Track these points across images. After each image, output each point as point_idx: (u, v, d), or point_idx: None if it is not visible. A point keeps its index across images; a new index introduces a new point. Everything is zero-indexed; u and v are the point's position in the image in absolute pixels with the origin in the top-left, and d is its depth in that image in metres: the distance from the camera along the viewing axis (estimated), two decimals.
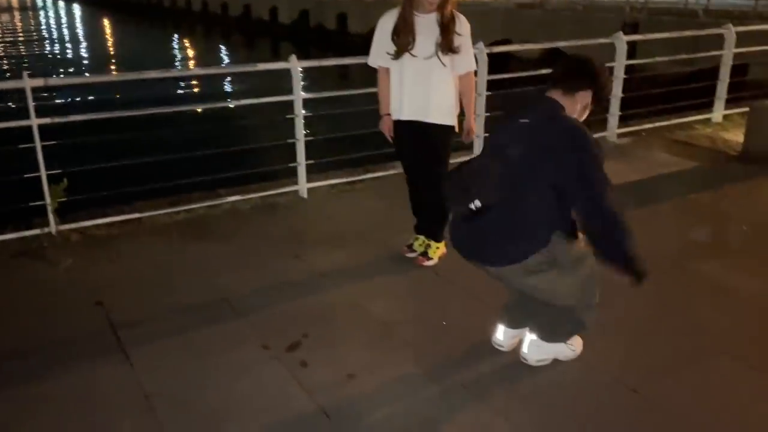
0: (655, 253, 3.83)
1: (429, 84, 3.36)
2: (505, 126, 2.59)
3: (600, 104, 2.58)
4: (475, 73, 3.65)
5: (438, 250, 3.71)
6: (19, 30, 44.87)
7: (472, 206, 2.39)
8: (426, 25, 3.30)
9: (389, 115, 3.53)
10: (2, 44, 35.18)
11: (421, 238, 3.76)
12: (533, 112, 2.50)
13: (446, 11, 3.27)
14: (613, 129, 6.29)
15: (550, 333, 2.71)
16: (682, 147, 6.09)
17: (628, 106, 6.41)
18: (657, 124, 6.66)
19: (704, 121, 6.89)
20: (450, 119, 3.43)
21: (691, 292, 3.40)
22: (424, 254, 3.71)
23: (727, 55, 6.76)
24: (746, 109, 6.08)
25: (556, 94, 2.49)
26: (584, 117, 2.56)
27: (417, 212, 3.78)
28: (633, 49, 8.26)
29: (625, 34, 6.14)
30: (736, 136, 6.16)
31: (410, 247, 3.78)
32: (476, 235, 2.50)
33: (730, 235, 4.30)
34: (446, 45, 3.29)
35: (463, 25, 3.34)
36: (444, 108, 3.41)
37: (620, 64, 6.05)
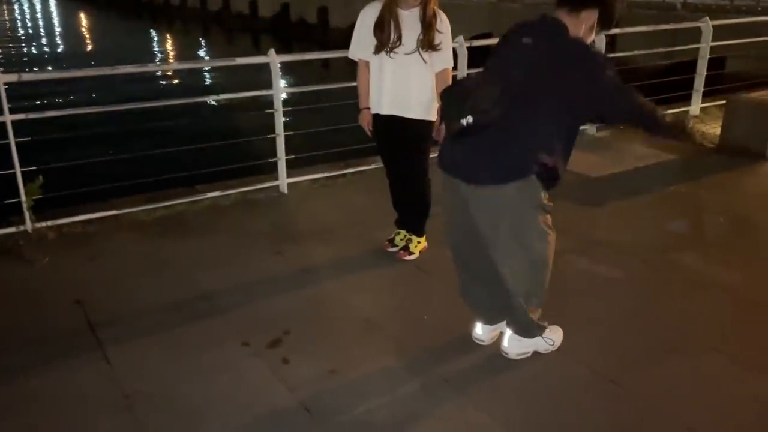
0: (635, 245, 3.89)
1: (409, 79, 3.35)
2: (506, 46, 2.51)
3: (607, 27, 2.49)
4: (454, 68, 3.64)
5: (419, 244, 3.71)
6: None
7: (464, 122, 2.29)
8: (408, 21, 3.29)
9: (368, 108, 3.51)
10: None
11: (402, 232, 3.75)
12: (535, 32, 2.44)
13: (429, 8, 3.26)
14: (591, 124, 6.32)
15: (524, 329, 2.72)
16: (661, 139, 6.13)
17: None
18: None
19: (682, 113, 6.95)
20: (430, 114, 3.43)
21: (669, 284, 3.44)
22: (405, 249, 3.70)
23: (704, 48, 6.83)
24: (723, 101, 6.15)
25: (560, 14, 2.43)
26: (590, 39, 2.47)
27: (398, 206, 3.77)
28: (612, 43, 8.31)
29: None
30: (714, 129, 6.23)
31: (391, 242, 3.78)
32: (464, 151, 2.44)
33: (707, 226, 4.36)
34: (427, 42, 3.28)
35: (443, 23, 3.34)
36: (424, 103, 3.40)
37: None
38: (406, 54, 3.30)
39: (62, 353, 2.78)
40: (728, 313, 3.15)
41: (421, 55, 3.30)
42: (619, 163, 5.43)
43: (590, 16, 2.41)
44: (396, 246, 3.75)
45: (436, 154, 2.66)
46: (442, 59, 3.40)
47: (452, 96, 2.40)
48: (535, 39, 2.41)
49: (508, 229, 2.48)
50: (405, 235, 3.74)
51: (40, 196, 3.95)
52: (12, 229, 3.90)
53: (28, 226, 3.92)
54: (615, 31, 7.97)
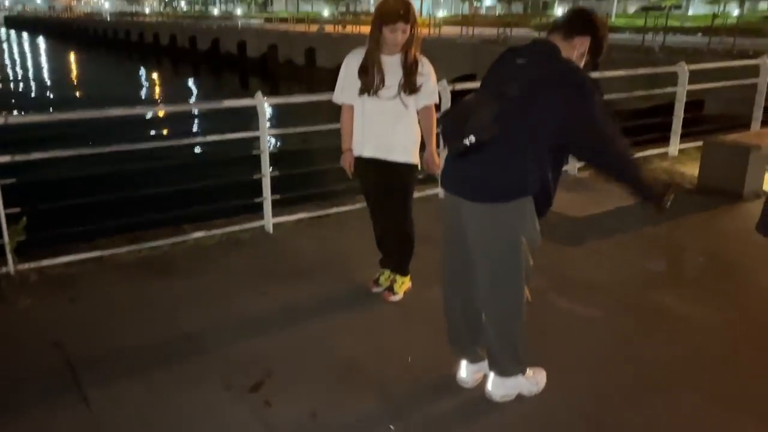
0: (613, 284, 3.94)
1: (392, 123, 3.42)
2: (501, 65, 2.59)
3: (596, 56, 2.57)
4: (438, 107, 3.73)
5: (403, 284, 3.74)
6: None
7: (467, 141, 2.36)
8: (391, 66, 3.37)
9: (350, 150, 3.58)
10: None
11: (387, 272, 3.78)
12: (530, 53, 2.53)
13: (410, 54, 3.36)
14: (573, 162, 6.44)
15: (506, 369, 2.73)
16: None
17: None
18: None
19: (661, 155, 7.11)
20: (412, 158, 3.49)
21: (647, 323, 3.48)
22: (390, 289, 3.73)
23: (681, 91, 7.02)
24: (701, 143, 6.31)
25: (555, 38, 2.52)
26: (580, 65, 2.55)
27: (381, 246, 3.81)
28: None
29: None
30: (692, 170, 6.37)
31: (376, 282, 3.80)
32: (464, 169, 2.52)
33: (685, 266, 4.43)
34: (409, 86, 3.37)
35: (425, 66, 3.43)
36: (407, 147, 3.47)
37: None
38: (389, 98, 3.39)
39: (40, 396, 2.75)
40: (707, 352, 3.19)
41: (402, 100, 3.39)
42: (599, 203, 5.52)
43: (582, 43, 2.51)
44: (381, 286, 3.77)
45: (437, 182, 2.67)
46: (426, 95, 3.45)
47: (453, 116, 2.46)
48: (529, 59, 2.50)
49: (498, 253, 2.55)
50: (389, 275, 3.77)
51: (23, 238, 3.94)
52: None
53: (11, 267, 3.90)
54: (594, 74, 8.20)
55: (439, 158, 3.57)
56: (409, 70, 3.35)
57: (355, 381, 2.92)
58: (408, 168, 3.49)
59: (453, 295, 2.81)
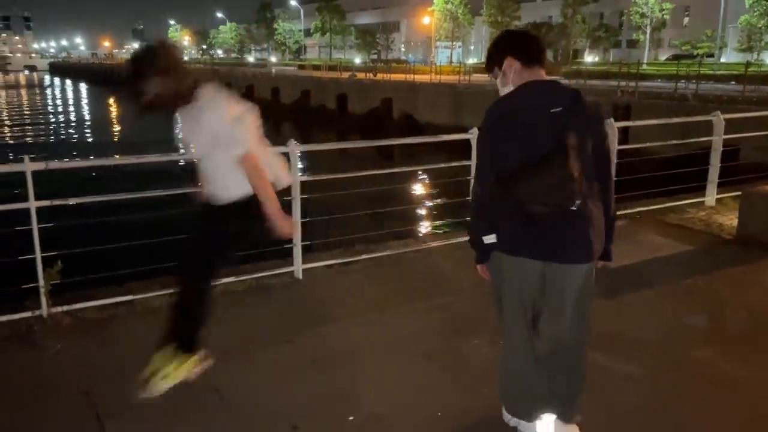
0: (649, 339, 3.81)
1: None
2: (530, 116, 2.39)
3: None
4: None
5: (183, 365, 2.98)
6: (25, 108, 46.02)
7: (574, 207, 2.31)
8: (186, 118, 2.88)
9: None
10: (9, 123, 36.00)
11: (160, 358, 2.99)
12: (555, 99, 2.40)
13: (192, 101, 2.79)
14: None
15: (577, 408, 2.70)
16: (676, 230, 6.13)
17: (621, 189, 6.49)
18: (650, 207, 6.74)
19: (697, 204, 6.97)
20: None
21: (686, 381, 3.34)
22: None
23: (717, 140, 6.92)
24: (739, 192, 6.17)
25: (541, 73, 2.50)
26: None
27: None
28: (625, 133, 8.47)
29: (617, 116, 6.32)
30: (730, 220, 6.21)
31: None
32: (558, 232, 2.41)
33: (726, 321, 4.26)
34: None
35: (215, 111, 2.78)
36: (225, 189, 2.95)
37: (612, 148, 6.19)
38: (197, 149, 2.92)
39: None
40: (747, 413, 3.03)
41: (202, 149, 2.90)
42: (633, 254, 5.39)
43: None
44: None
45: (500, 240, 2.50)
46: (232, 147, 2.80)
47: (549, 177, 2.30)
48: (562, 106, 2.38)
49: (587, 307, 2.61)
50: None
51: (57, 281, 3.99)
52: (27, 314, 3.92)
53: (44, 311, 3.94)
54: (627, 124, 8.17)
55: None
56: (195, 118, 2.82)
57: None
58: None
59: (526, 354, 2.66)
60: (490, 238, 2.50)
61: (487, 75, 2.72)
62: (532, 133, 2.38)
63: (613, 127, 6.19)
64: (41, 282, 3.95)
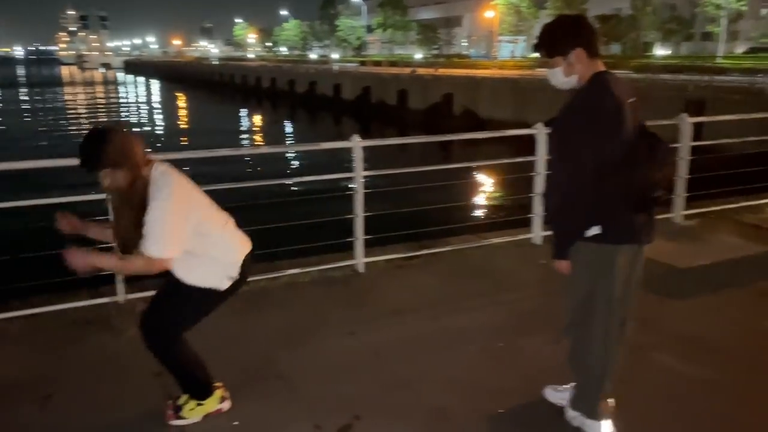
0: (724, 343, 3.65)
1: None
2: (623, 108, 2.41)
3: None
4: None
5: (195, 410, 2.93)
6: (101, 103, 48.19)
7: (659, 193, 2.45)
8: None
9: None
10: (86, 116, 37.84)
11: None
12: (628, 89, 2.51)
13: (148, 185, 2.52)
14: (679, 210, 6.13)
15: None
16: (753, 230, 5.85)
17: (695, 187, 6.26)
18: (725, 207, 6.46)
19: None
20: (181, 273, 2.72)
21: (763, 387, 3.18)
22: (178, 408, 2.94)
23: None
24: None
25: (601, 63, 2.52)
26: None
27: None
28: (698, 128, 8.13)
29: (690, 112, 6.09)
30: None
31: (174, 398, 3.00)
32: (649, 217, 2.54)
33: None
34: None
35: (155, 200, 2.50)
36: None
37: (685, 145, 5.97)
38: None
39: (138, 423, 2.87)
40: None
41: None
42: (707, 254, 5.18)
43: None
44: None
45: (615, 230, 2.51)
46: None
47: (652, 166, 2.41)
48: (633, 96, 2.49)
49: None
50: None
51: None
52: (106, 299, 4.12)
53: (120, 296, 4.14)
54: (701, 119, 7.82)
55: None
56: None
57: (444, 430, 2.84)
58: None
59: (615, 347, 2.67)
60: (593, 230, 2.47)
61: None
62: (627, 123, 2.41)
63: (686, 122, 5.96)
64: None
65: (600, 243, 2.48)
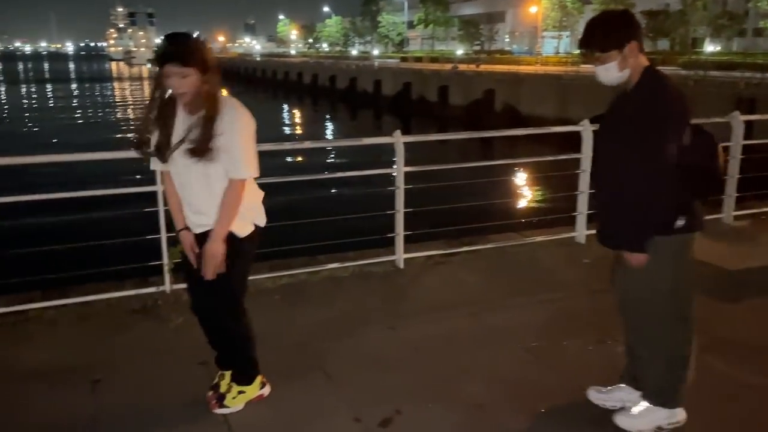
0: None
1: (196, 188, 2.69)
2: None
3: None
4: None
5: (239, 397, 2.96)
6: (147, 98, 49.25)
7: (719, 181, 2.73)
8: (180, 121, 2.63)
9: (186, 229, 2.80)
10: (132, 109, 38.82)
11: (227, 376, 3.03)
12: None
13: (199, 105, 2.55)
14: (729, 211, 5.95)
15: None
16: None
17: (745, 187, 6.07)
18: None
19: None
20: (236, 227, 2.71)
21: None
22: (219, 397, 2.96)
23: None
24: None
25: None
26: None
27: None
28: (750, 127, 7.86)
29: (741, 110, 5.90)
30: None
31: (214, 389, 3.03)
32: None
33: None
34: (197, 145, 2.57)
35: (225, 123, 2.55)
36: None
37: (737, 143, 5.79)
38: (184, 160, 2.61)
39: (182, 414, 2.93)
40: None
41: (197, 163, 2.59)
42: (757, 256, 5.02)
43: None
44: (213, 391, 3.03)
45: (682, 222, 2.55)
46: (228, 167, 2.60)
47: (719, 155, 2.53)
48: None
49: None
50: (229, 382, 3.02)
51: (179, 260, 4.27)
52: (153, 289, 4.23)
53: (167, 287, 4.24)
54: (754, 117, 7.56)
55: None
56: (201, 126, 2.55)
57: (483, 429, 2.83)
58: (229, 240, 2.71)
59: (694, 335, 2.77)
60: (680, 222, 2.53)
61: (590, 59, 2.55)
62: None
63: (738, 120, 5.79)
64: (165, 260, 4.25)
65: (683, 233, 2.55)
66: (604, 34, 2.48)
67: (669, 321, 2.66)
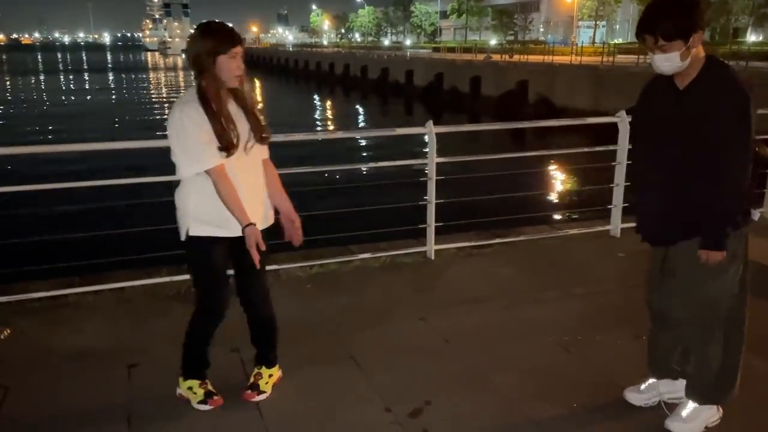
0: None
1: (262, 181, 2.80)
2: None
3: None
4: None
5: (271, 378, 3.07)
6: (182, 87, 50.00)
7: None
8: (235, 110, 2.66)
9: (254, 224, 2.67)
10: (166, 99, 39.43)
11: (263, 371, 3.08)
12: None
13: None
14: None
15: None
16: None
17: None
18: None
19: None
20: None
21: None
22: (253, 387, 3.01)
23: None
24: None
25: None
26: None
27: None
28: None
29: None
30: None
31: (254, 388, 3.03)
32: None
33: None
34: (261, 132, 2.71)
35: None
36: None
37: None
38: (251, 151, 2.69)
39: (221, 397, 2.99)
40: None
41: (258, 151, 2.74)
42: None
43: None
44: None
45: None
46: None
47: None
48: None
49: None
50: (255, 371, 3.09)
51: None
52: (187, 276, 4.27)
53: None
54: None
55: None
56: (251, 111, 2.67)
57: (514, 422, 2.81)
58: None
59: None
60: (756, 214, 2.47)
61: (649, 45, 2.34)
62: None
63: None
64: None
65: (746, 226, 2.50)
66: (672, 22, 2.27)
67: (731, 319, 2.62)
